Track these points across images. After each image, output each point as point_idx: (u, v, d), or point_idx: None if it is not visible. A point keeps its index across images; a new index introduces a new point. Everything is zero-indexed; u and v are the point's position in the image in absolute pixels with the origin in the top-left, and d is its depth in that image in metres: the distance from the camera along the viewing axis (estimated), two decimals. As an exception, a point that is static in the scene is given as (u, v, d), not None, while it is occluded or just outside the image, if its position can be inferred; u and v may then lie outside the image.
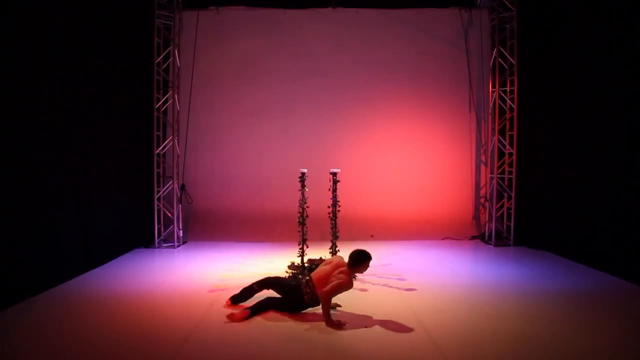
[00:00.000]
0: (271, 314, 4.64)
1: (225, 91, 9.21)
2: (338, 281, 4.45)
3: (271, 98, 9.23)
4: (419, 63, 9.22)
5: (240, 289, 4.95)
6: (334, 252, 6.20)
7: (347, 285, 4.50)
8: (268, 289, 4.88)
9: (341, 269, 4.62)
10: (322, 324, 4.37)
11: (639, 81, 5.76)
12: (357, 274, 5.71)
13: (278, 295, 4.79)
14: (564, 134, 7.39)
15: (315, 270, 4.86)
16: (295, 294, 4.65)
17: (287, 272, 6.12)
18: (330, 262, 4.84)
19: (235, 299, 4.88)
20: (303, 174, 6.31)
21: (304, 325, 4.42)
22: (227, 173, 9.19)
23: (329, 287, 4.43)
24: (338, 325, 4.32)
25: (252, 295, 4.89)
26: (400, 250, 7.87)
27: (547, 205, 7.77)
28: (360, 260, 4.63)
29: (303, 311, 4.70)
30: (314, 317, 4.60)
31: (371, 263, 4.72)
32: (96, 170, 6.64)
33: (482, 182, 9.24)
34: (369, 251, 4.70)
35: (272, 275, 5.22)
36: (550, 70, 7.74)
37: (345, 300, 5.01)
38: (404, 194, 9.18)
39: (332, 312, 4.63)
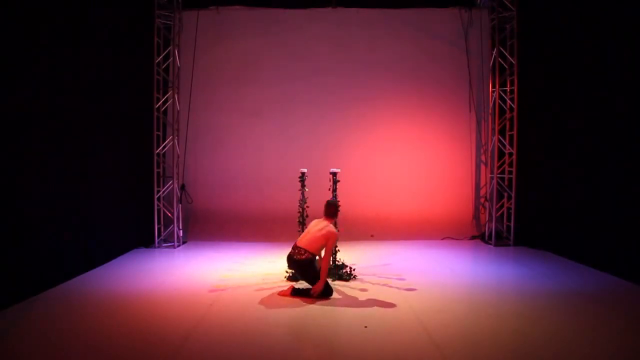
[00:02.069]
0: (273, 312, 4.66)
1: (225, 91, 9.21)
2: (330, 244, 5.21)
3: (271, 98, 9.23)
4: (419, 63, 9.22)
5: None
6: (334, 252, 6.20)
7: (336, 239, 5.34)
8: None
9: (325, 225, 5.31)
10: (322, 324, 4.39)
11: (639, 80, 5.77)
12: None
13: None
14: (564, 134, 7.39)
15: (302, 237, 5.39)
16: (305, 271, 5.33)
17: (287, 272, 6.12)
18: (314, 227, 5.39)
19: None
20: (303, 173, 6.32)
21: (304, 325, 4.43)
22: (227, 173, 9.19)
23: (326, 254, 5.15)
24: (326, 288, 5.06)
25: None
26: (400, 250, 7.87)
27: (547, 205, 7.77)
28: (337, 208, 5.53)
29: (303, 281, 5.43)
30: (314, 317, 4.61)
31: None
32: (96, 170, 6.65)
33: (482, 182, 9.24)
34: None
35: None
36: (550, 70, 7.74)
37: (346, 300, 5.04)
38: (404, 194, 9.18)
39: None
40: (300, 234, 6.21)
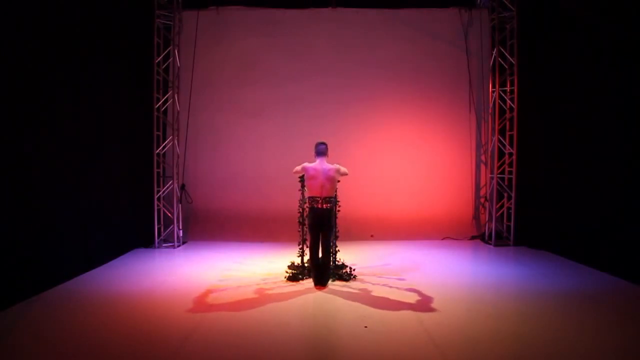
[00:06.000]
0: (273, 313, 4.66)
1: (225, 91, 9.21)
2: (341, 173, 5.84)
3: (271, 98, 9.22)
4: (419, 63, 9.22)
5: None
6: (334, 253, 6.20)
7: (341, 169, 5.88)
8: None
9: (327, 165, 5.77)
10: (322, 324, 4.38)
11: (639, 80, 5.77)
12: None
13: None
14: (564, 134, 7.39)
15: (316, 188, 5.67)
16: (329, 219, 5.76)
17: (286, 272, 6.13)
18: (320, 173, 5.70)
19: (318, 280, 5.63)
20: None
21: (303, 325, 4.43)
22: (227, 173, 9.18)
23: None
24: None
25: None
26: (400, 250, 7.87)
27: (547, 205, 7.77)
28: (326, 145, 5.95)
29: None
30: (314, 317, 4.61)
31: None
32: (96, 170, 6.64)
33: (482, 182, 9.24)
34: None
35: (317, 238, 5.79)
36: (550, 70, 7.74)
37: (346, 300, 5.04)
38: (404, 194, 9.17)
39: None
40: (300, 233, 6.24)
